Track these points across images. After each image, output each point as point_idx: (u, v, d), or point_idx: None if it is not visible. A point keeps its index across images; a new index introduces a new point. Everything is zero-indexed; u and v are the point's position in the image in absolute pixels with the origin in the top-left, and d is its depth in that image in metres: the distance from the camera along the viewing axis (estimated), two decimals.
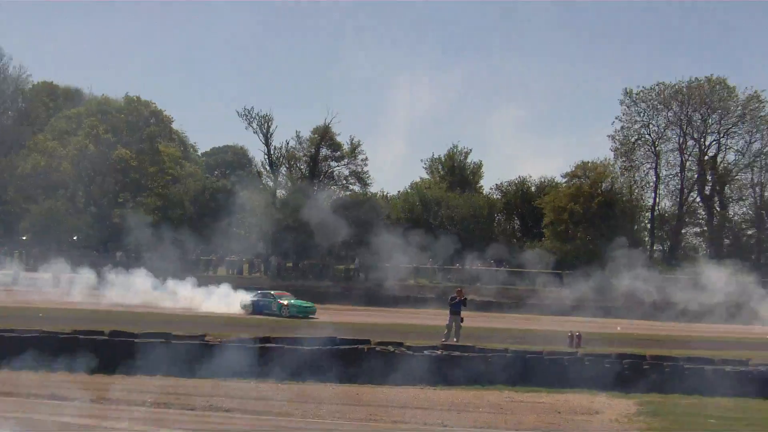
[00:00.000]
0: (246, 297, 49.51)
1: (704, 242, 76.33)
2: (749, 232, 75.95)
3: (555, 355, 30.45)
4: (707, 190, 75.74)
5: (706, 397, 26.98)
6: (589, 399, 27.28)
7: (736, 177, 75.46)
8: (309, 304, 48.84)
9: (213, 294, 50.98)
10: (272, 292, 50.07)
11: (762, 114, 73.08)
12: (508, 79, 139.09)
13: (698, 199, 76.62)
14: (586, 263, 59.06)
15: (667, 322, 51.04)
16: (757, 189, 75.06)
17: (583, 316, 50.10)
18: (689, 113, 74.15)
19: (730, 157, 75.62)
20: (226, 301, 50.05)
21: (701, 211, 77.25)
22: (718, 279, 53.54)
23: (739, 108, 73.48)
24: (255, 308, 48.37)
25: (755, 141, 74.19)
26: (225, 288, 51.47)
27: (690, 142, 75.12)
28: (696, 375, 28.22)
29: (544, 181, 79.33)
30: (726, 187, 75.55)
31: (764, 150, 74.20)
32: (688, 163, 75.37)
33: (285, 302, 48.12)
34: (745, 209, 76.64)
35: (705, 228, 76.23)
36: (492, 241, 66.64)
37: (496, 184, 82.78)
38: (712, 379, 27.94)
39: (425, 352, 30.66)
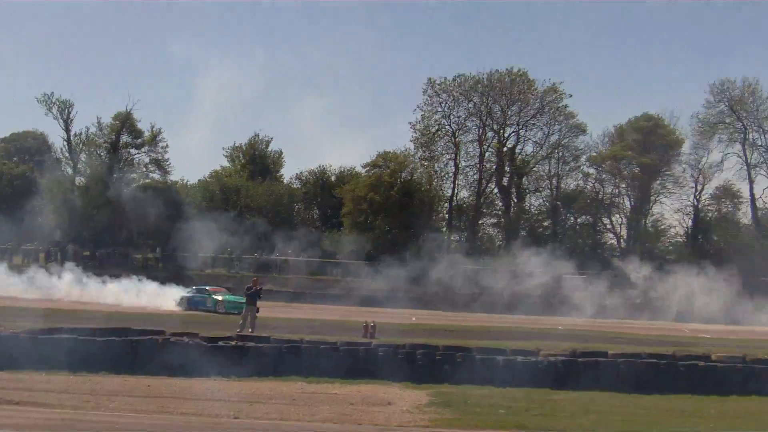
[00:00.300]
0: (180, 293, 48.33)
1: (501, 233, 77.78)
2: (545, 224, 77.79)
3: (350, 346, 30.15)
4: (505, 181, 77.08)
5: (497, 387, 27.14)
6: (382, 390, 27.07)
7: (534, 168, 77.13)
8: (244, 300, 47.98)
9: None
10: (207, 288, 48.95)
11: (559, 106, 75.07)
12: (313, 68, 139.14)
13: (496, 190, 77.87)
14: (393, 252, 59.46)
15: (479, 313, 51.61)
16: (554, 181, 77.02)
17: (394, 306, 50.43)
18: (489, 105, 75.29)
19: (529, 148, 77.33)
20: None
21: (499, 202, 78.59)
22: (535, 269, 54.61)
23: (538, 100, 75.19)
24: (189, 304, 46.97)
25: (553, 133, 76.17)
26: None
27: (489, 134, 76.22)
28: (488, 365, 28.39)
29: (344, 171, 79.63)
30: (524, 179, 77.11)
31: (561, 142, 76.21)
32: (487, 155, 76.45)
33: (220, 298, 46.84)
34: (541, 201, 78.63)
35: (502, 219, 77.53)
36: (292, 231, 66.25)
37: (296, 174, 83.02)
38: (503, 369, 28.15)
39: (220, 342, 29.97)
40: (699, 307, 53.96)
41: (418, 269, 56.27)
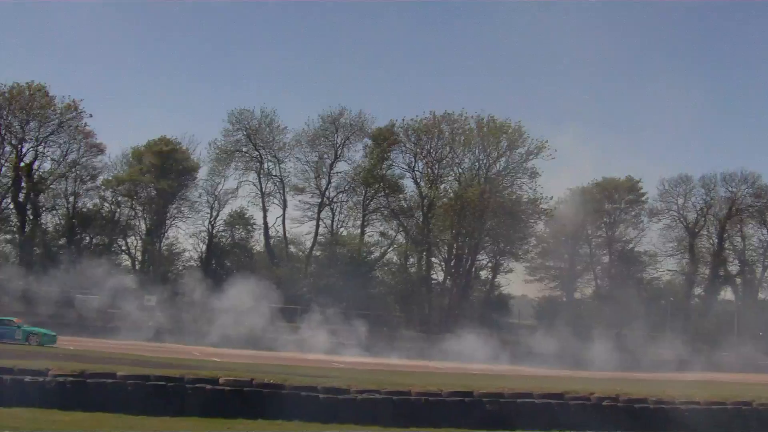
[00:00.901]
0: None
1: (15, 250, 75.72)
2: (61, 242, 76.75)
3: None
4: (21, 197, 75.22)
5: (4, 407, 26.82)
6: None
7: (51, 186, 76.01)
8: (53, 333, 46.06)
9: None
10: (14, 319, 46.31)
11: (79, 124, 74.53)
12: None
13: (12, 206, 75.77)
14: None
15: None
16: (71, 199, 76.31)
17: None
18: (8, 118, 73.30)
19: (47, 165, 76.33)
20: None
21: (14, 219, 76.53)
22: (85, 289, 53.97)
23: (57, 117, 74.14)
24: None
25: (72, 151, 75.49)
26: None
27: (7, 148, 74.26)
28: None
29: None
30: (40, 196, 75.70)
31: (80, 161, 75.74)
32: (3, 169, 74.48)
33: (35, 330, 45.24)
34: (58, 219, 77.51)
35: (17, 235, 75.53)
36: None
37: None
38: (11, 388, 27.80)
39: None
40: (239, 332, 56.50)
41: None
